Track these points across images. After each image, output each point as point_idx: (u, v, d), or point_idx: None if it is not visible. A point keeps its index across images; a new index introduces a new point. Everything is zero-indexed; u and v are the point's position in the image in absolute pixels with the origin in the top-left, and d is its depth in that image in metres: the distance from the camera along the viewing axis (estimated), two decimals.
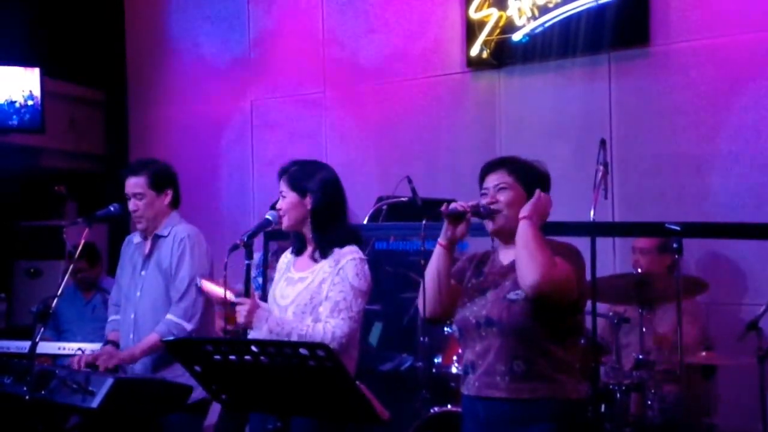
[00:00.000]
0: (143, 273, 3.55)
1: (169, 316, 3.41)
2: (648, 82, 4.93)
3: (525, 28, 5.21)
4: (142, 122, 7.03)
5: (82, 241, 3.46)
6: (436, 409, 3.93)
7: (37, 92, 6.28)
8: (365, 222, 4.64)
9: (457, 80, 5.61)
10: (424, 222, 2.66)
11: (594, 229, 3.40)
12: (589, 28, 5.01)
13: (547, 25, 5.15)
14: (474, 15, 5.41)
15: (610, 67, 5.04)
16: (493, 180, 2.67)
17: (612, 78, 5.04)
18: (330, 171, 3.03)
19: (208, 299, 3.45)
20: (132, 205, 3.51)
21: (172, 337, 2.96)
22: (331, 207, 2.95)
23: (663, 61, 4.89)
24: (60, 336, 5.06)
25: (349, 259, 2.88)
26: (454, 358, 4.04)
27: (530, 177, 2.67)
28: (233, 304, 2.83)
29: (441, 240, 2.62)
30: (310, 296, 2.88)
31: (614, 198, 4.82)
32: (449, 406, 3.89)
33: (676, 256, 3.35)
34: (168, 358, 3.26)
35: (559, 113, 5.19)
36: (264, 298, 3.24)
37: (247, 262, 2.87)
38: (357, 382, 2.31)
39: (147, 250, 3.56)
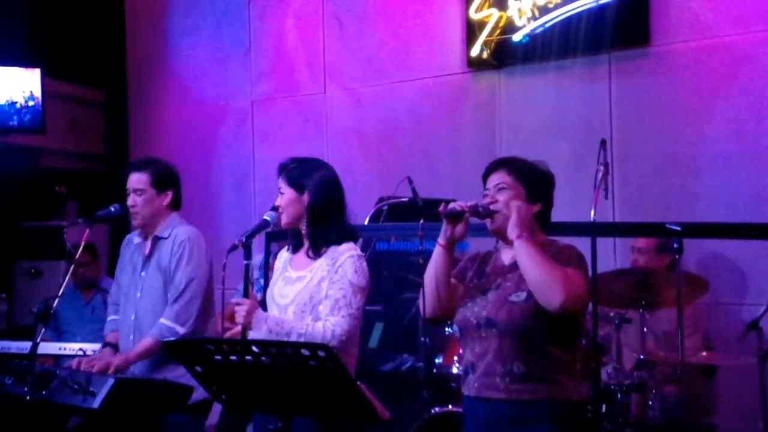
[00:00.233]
0: (143, 274, 3.54)
1: (162, 320, 3.40)
2: (648, 82, 4.93)
3: (525, 28, 5.22)
4: (142, 122, 7.03)
5: (83, 242, 3.47)
6: (436, 409, 3.93)
7: (37, 93, 6.28)
8: (366, 223, 4.64)
9: (458, 80, 5.62)
10: (421, 222, 2.67)
11: (594, 230, 3.40)
12: (589, 29, 5.01)
13: (547, 25, 5.15)
14: (474, 15, 5.41)
15: (610, 67, 5.05)
16: (493, 180, 2.68)
17: (612, 78, 5.04)
18: (328, 169, 3.04)
19: (205, 303, 3.46)
20: (131, 200, 3.51)
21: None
22: (328, 204, 2.95)
23: (663, 61, 4.89)
24: (60, 337, 5.06)
25: (347, 256, 2.88)
26: (455, 358, 4.04)
27: (531, 177, 2.67)
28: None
29: (440, 240, 2.62)
30: (310, 295, 2.88)
31: (615, 198, 4.83)
32: (450, 407, 3.89)
33: (677, 256, 3.35)
34: (169, 358, 3.25)
35: (559, 113, 5.19)
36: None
37: (245, 262, 2.87)
38: (358, 383, 2.31)
39: (147, 251, 3.56)
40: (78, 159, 7.11)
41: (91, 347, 4.03)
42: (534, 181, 2.66)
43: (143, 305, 3.50)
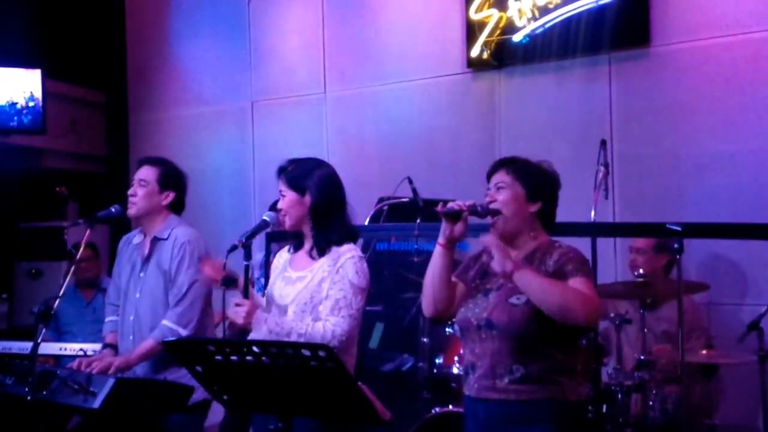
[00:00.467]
0: (142, 275, 3.54)
1: (164, 322, 3.40)
2: (648, 82, 4.93)
3: (525, 28, 5.22)
4: (142, 123, 7.03)
5: (84, 242, 3.47)
6: (437, 409, 3.93)
7: (38, 93, 6.29)
8: (366, 223, 4.64)
9: (458, 81, 5.62)
10: (418, 221, 2.68)
11: (595, 230, 3.40)
12: (589, 29, 5.02)
13: (547, 25, 5.16)
14: (474, 16, 5.41)
15: (610, 68, 5.05)
16: (494, 180, 2.69)
17: (612, 78, 5.04)
18: (328, 168, 3.03)
19: (206, 304, 3.46)
20: (132, 189, 3.53)
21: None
22: (329, 204, 2.95)
23: (663, 61, 4.89)
24: (60, 337, 5.07)
25: (348, 257, 2.88)
26: (456, 358, 4.04)
27: (531, 176, 2.67)
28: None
29: (440, 239, 2.63)
30: (310, 295, 2.88)
31: (615, 198, 4.83)
32: (450, 407, 3.88)
33: (677, 256, 3.35)
34: (169, 359, 3.26)
35: (559, 113, 5.19)
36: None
37: (245, 262, 2.87)
38: (358, 383, 2.31)
39: (146, 252, 3.56)
40: (78, 160, 7.11)
41: (91, 347, 4.03)
42: (534, 181, 2.67)
43: (142, 306, 3.50)
